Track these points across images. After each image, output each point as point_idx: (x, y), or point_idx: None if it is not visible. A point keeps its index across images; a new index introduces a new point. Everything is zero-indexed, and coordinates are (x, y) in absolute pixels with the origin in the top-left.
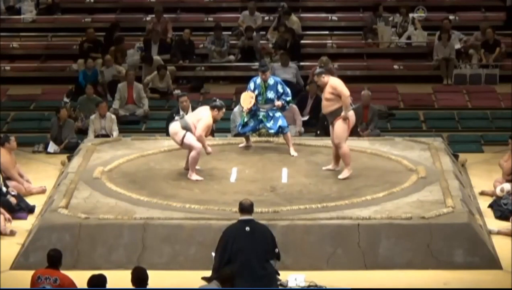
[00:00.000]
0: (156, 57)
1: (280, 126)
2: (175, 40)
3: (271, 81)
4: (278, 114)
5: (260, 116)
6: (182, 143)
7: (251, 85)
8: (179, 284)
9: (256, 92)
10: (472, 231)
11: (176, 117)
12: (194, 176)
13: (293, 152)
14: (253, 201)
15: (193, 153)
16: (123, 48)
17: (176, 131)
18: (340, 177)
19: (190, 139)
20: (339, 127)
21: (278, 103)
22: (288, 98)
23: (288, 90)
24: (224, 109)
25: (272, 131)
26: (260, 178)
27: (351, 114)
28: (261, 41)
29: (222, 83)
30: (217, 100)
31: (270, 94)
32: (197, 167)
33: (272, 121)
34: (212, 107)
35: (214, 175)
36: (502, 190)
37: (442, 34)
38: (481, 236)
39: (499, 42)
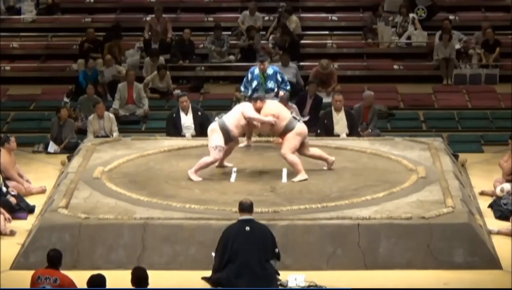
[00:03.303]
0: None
1: None
2: (175, 40)
3: (270, 71)
4: None
5: None
6: (209, 144)
7: (248, 75)
8: (179, 284)
9: (255, 83)
10: (472, 231)
11: (216, 118)
12: (194, 176)
13: None
14: (253, 201)
15: (207, 158)
16: (121, 45)
17: (212, 129)
18: (294, 179)
19: (213, 144)
20: (288, 141)
21: (281, 94)
22: (288, 87)
23: (286, 78)
24: (265, 100)
25: None
26: (260, 178)
27: (302, 129)
28: (262, 41)
29: (222, 83)
30: (255, 93)
31: (270, 84)
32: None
33: None
34: (255, 100)
35: (214, 175)
36: (502, 190)
37: (444, 35)
38: (481, 236)
39: (499, 42)
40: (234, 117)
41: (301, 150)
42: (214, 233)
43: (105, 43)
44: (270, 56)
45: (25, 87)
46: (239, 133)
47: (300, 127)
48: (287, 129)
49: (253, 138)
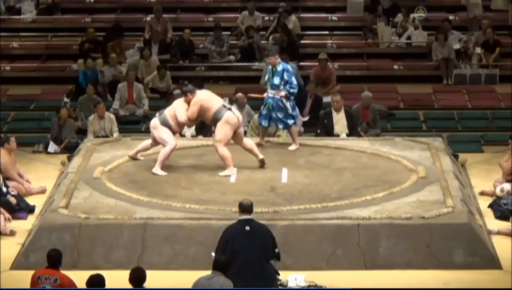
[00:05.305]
0: (154, 57)
1: (283, 122)
2: (175, 40)
3: (279, 67)
4: (280, 115)
5: (268, 105)
6: (158, 137)
7: (268, 69)
8: (179, 284)
9: (266, 77)
10: (472, 231)
11: (157, 114)
12: (159, 171)
13: (291, 147)
14: (253, 201)
15: (166, 148)
16: (122, 45)
17: (155, 125)
18: (220, 174)
19: (165, 135)
20: (218, 130)
21: (282, 93)
22: (292, 90)
23: (294, 80)
24: (195, 92)
25: (280, 127)
26: (260, 178)
27: (230, 117)
28: (262, 42)
29: (222, 83)
30: (188, 84)
31: (276, 80)
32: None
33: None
34: (184, 94)
35: (214, 175)
36: (502, 190)
37: (438, 35)
38: (481, 236)
39: (499, 42)
40: (173, 114)
41: (235, 139)
42: (214, 233)
43: (105, 43)
44: None
45: (25, 87)
46: (180, 128)
47: (228, 115)
48: (216, 118)
49: (253, 139)
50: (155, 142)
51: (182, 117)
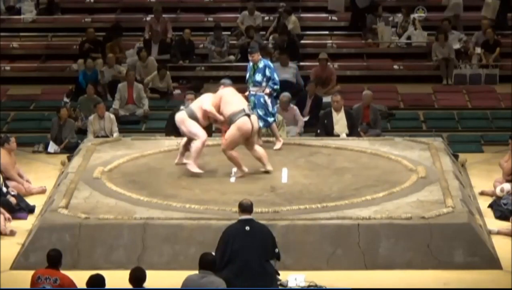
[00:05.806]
0: (151, 57)
1: (263, 120)
2: (175, 40)
3: (260, 64)
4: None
5: (250, 103)
6: (188, 132)
7: (248, 68)
8: (179, 284)
9: (248, 75)
10: (472, 231)
11: (182, 107)
12: (194, 168)
13: (276, 145)
14: (253, 201)
15: (197, 142)
16: (121, 45)
17: (183, 119)
18: (232, 175)
19: (194, 128)
20: (228, 134)
21: (266, 90)
22: (276, 86)
23: (276, 77)
24: (225, 85)
25: (260, 125)
26: (260, 178)
27: (243, 123)
28: (262, 42)
29: None
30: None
31: (258, 77)
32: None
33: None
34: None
35: (214, 175)
36: (502, 190)
37: (439, 35)
38: (481, 236)
39: (499, 42)
40: (200, 106)
41: (246, 146)
42: (214, 233)
43: (105, 43)
44: (270, 56)
45: (25, 87)
46: (205, 123)
47: (242, 121)
48: (231, 120)
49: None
50: (187, 137)
51: (207, 106)
